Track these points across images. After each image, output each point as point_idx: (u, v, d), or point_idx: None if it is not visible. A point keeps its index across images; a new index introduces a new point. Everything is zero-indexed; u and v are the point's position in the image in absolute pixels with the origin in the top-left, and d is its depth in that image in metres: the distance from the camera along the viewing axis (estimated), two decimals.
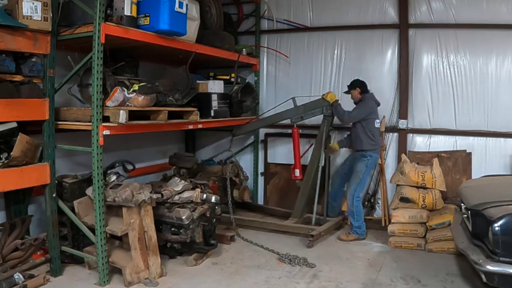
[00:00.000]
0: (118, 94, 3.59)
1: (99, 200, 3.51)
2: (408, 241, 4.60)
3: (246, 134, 5.90)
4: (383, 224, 5.20)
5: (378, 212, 5.43)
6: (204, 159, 5.87)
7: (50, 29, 3.41)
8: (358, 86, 4.97)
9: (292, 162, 5.75)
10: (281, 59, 6.02)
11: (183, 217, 3.89)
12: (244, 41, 6.10)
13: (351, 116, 4.92)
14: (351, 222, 4.99)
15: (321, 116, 5.11)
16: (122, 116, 3.49)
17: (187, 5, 4.04)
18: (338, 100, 5.02)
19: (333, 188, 5.30)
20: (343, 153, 5.57)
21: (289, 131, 5.71)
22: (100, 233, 3.52)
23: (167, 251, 4.11)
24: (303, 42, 5.86)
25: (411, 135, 5.35)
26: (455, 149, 5.15)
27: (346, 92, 5.08)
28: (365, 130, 4.88)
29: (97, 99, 3.42)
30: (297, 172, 5.24)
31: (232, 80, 5.46)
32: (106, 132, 3.50)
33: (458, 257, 4.20)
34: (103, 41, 3.41)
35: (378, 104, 5.00)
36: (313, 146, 5.42)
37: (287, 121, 5.37)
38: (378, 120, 4.97)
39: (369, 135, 4.87)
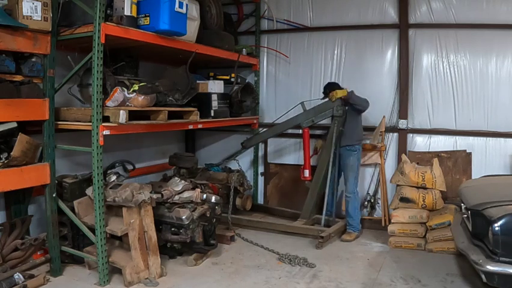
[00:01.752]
0: (118, 94, 3.59)
1: (99, 200, 3.51)
2: (408, 241, 4.60)
3: (256, 144, 5.89)
4: (383, 224, 5.20)
5: (378, 212, 5.43)
6: (208, 164, 5.88)
7: (50, 29, 3.41)
8: (334, 88, 5.01)
9: (293, 162, 5.77)
10: (281, 59, 6.02)
11: (183, 217, 3.89)
12: (244, 41, 6.10)
13: (364, 104, 4.89)
14: (349, 220, 5.04)
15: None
16: (122, 116, 3.49)
17: (187, 5, 4.04)
18: (351, 92, 4.98)
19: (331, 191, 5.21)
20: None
21: (290, 131, 5.72)
22: (100, 233, 3.52)
23: (167, 251, 4.11)
24: (303, 42, 5.86)
25: (411, 135, 5.34)
26: (455, 149, 5.15)
27: (323, 98, 5.15)
28: (360, 125, 5.05)
29: (97, 99, 3.41)
30: (307, 173, 5.18)
31: (232, 80, 5.45)
32: (106, 132, 3.50)
33: (458, 257, 4.20)
34: (103, 41, 3.41)
35: None
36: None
37: None
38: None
39: (361, 130, 5.08)
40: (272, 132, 5.62)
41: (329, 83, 5.24)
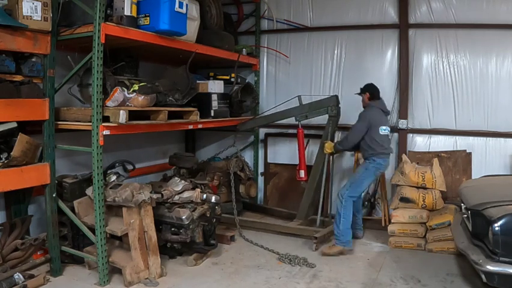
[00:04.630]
0: (118, 94, 3.59)
1: (99, 200, 3.51)
2: (408, 241, 4.60)
3: (250, 129, 5.87)
4: (383, 224, 5.19)
5: (378, 212, 5.43)
6: (210, 157, 5.88)
7: (50, 29, 3.41)
8: (368, 91, 4.64)
9: (292, 162, 5.76)
10: (281, 59, 6.03)
11: (183, 217, 3.89)
12: (244, 41, 6.11)
13: (348, 141, 4.61)
14: (334, 229, 4.47)
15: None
16: (122, 116, 3.49)
17: (187, 5, 4.04)
18: (335, 143, 4.82)
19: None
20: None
21: (290, 131, 5.72)
22: (100, 233, 3.52)
23: (167, 251, 4.11)
24: (303, 42, 5.87)
25: (411, 135, 5.35)
26: (455, 149, 5.15)
27: (358, 94, 4.78)
28: (366, 139, 4.50)
29: (97, 99, 3.41)
30: (302, 173, 5.17)
31: (232, 80, 5.46)
32: (106, 132, 3.50)
33: (458, 257, 4.20)
34: (103, 41, 3.41)
35: (387, 113, 4.70)
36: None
37: (288, 121, 5.38)
38: (384, 127, 4.51)
39: (369, 144, 4.48)
40: (266, 120, 5.61)
41: (368, 84, 4.78)
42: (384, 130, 4.52)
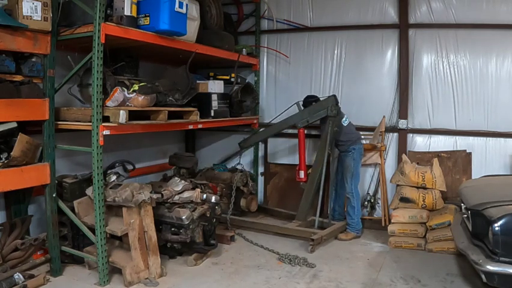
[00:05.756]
0: (118, 94, 3.59)
1: (99, 200, 3.51)
2: (408, 241, 4.60)
3: (253, 145, 5.90)
4: (383, 224, 5.20)
5: (378, 212, 5.43)
6: (216, 164, 5.88)
7: (50, 29, 3.41)
8: (314, 102, 5.14)
9: (292, 162, 5.76)
10: (281, 59, 6.02)
11: (183, 217, 3.89)
12: (244, 41, 6.10)
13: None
14: (348, 219, 5.03)
15: None
16: (122, 116, 3.49)
17: (187, 5, 4.04)
18: None
19: (334, 193, 5.27)
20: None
21: (290, 131, 5.72)
22: (100, 233, 3.52)
23: (167, 251, 4.11)
24: (303, 42, 5.86)
25: (411, 135, 5.34)
26: (455, 149, 5.15)
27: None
28: (343, 125, 5.03)
29: (97, 99, 3.42)
30: (302, 174, 5.17)
31: (232, 80, 5.46)
32: (106, 132, 3.50)
33: (458, 257, 4.20)
34: (103, 41, 3.41)
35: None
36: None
37: None
38: (344, 118, 5.05)
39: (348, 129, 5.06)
40: (268, 132, 5.62)
41: (308, 96, 5.27)
42: (345, 122, 5.05)
